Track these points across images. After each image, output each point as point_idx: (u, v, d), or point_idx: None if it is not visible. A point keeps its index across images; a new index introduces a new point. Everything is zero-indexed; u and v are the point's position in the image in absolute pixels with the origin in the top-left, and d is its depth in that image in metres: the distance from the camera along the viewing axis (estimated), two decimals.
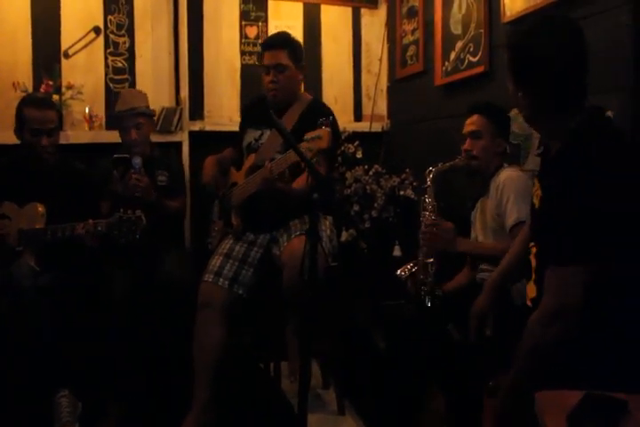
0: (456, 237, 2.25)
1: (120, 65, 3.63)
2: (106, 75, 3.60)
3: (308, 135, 2.08)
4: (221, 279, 2.52)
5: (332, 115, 2.62)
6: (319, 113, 2.50)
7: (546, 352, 1.42)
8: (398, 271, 2.41)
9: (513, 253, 1.88)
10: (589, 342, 1.40)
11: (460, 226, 2.41)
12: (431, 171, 2.39)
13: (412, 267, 2.39)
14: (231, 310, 2.52)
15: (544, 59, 1.51)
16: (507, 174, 2.25)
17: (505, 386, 1.49)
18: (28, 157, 2.77)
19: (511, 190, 2.17)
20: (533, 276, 1.59)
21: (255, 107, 2.84)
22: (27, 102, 2.75)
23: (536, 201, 1.58)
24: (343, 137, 3.67)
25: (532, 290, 1.60)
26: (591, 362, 1.38)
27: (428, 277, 2.26)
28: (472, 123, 2.36)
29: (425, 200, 2.36)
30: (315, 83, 3.93)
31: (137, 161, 2.78)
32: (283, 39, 2.68)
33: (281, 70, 2.61)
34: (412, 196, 3.26)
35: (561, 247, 1.40)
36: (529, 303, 1.63)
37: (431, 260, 2.28)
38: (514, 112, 2.71)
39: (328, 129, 2.07)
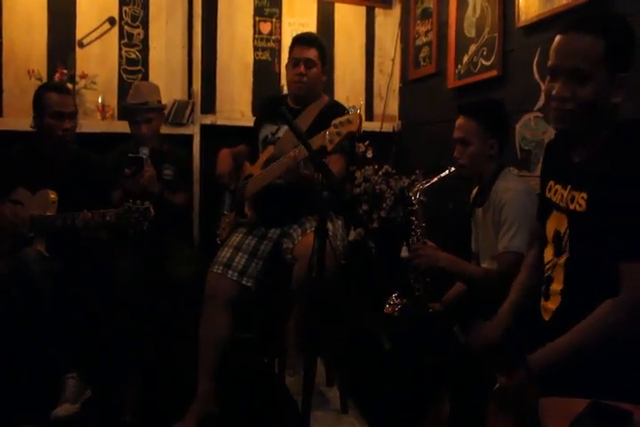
0: (436, 252, 2.19)
1: (134, 56, 3.64)
2: (119, 65, 3.61)
3: (337, 120, 2.10)
4: (230, 271, 2.54)
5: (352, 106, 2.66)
6: (338, 113, 2.51)
7: (615, 339, 1.41)
8: (386, 310, 2.33)
9: (521, 283, 1.81)
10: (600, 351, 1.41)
11: (465, 226, 2.41)
12: (419, 189, 2.30)
13: (396, 302, 2.32)
14: (238, 302, 2.54)
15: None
16: (511, 194, 2.10)
17: (536, 359, 1.47)
18: (45, 144, 2.79)
19: (511, 214, 2.06)
20: (559, 287, 1.58)
21: (271, 105, 2.85)
22: (46, 88, 2.79)
23: (573, 206, 1.55)
24: None
25: (553, 302, 1.60)
26: (598, 370, 1.39)
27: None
28: (459, 128, 2.24)
29: (413, 222, 2.28)
30: (327, 81, 3.89)
31: (144, 151, 2.79)
32: (315, 38, 2.79)
33: (310, 66, 2.68)
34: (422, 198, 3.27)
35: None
36: (545, 317, 1.61)
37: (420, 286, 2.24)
38: (526, 117, 2.74)
39: (359, 113, 2.10)
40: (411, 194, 2.33)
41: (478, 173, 2.25)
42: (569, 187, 1.58)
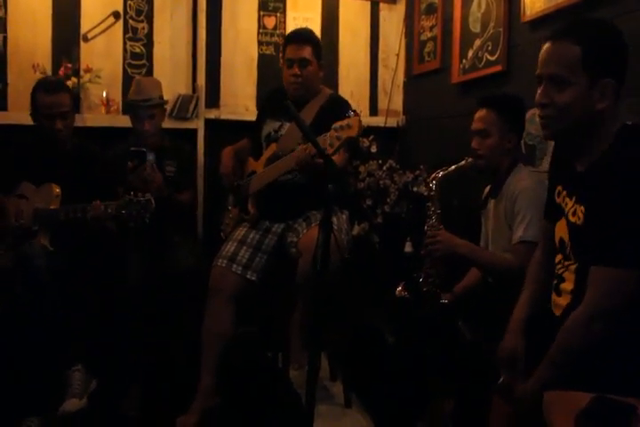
0: (454, 239, 2.18)
1: (138, 50, 3.64)
2: (124, 59, 3.61)
3: (337, 124, 2.10)
4: (235, 265, 2.54)
5: (353, 110, 2.65)
6: (339, 108, 2.51)
7: (583, 351, 1.41)
8: (397, 293, 2.33)
9: (531, 285, 1.78)
10: (604, 346, 1.41)
11: (471, 223, 2.40)
12: (436, 177, 2.30)
13: (409, 285, 2.32)
14: (242, 296, 2.54)
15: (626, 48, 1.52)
16: (524, 184, 2.12)
17: (530, 385, 1.49)
18: (45, 138, 2.79)
19: (524, 204, 2.07)
20: (570, 287, 1.57)
21: (274, 98, 2.84)
22: (38, 87, 2.75)
23: (574, 219, 1.55)
24: None
25: (564, 299, 1.59)
26: (603, 365, 1.39)
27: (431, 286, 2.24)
28: (479, 119, 2.24)
29: (429, 208, 2.29)
30: (331, 76, 3.92)
31: (150, 158, 2.79)
32: (308, 35, 2.72)
33: (305, 65, 2.64)
34: (425, 192, 3.26)
35: (620, 249, 1.39)
36: (557, 312, 1.61)
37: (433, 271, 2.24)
38: (530, 113, 2.73)
39: (358, 117, 2.11)
40: (428, 180, 2.33)
41: (495, 165, 2.24)
42: (574, 198, 1.58)
